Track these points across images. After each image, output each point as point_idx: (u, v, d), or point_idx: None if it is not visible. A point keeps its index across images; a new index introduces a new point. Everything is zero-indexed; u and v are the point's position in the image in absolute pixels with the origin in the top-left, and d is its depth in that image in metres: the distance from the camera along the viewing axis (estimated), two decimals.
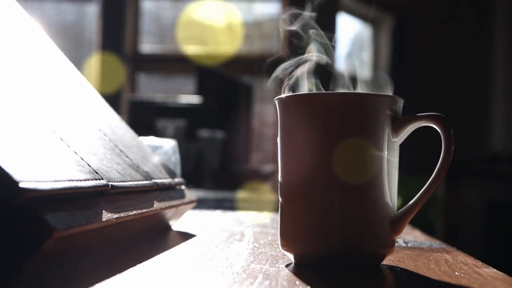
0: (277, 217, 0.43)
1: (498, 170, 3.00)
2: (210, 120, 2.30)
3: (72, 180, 0.36)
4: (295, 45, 0.45)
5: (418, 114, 0.41)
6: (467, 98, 3.35)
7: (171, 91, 3.37)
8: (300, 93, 0.44)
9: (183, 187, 0.65)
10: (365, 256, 0.40)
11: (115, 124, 0.60)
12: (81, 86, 0.60)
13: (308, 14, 0.45)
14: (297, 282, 0.35)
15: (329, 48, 0.45)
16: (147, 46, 3.44)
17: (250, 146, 2.85)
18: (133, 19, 3.39)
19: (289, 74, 0.45)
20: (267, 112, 3.33)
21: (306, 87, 0.45)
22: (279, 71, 0.45)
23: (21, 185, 0.30)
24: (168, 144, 0.71)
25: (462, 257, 0.46)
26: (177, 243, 0.50)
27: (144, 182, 0.51)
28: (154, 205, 0.50)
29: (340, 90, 0.45)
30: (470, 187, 2.97)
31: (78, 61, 3.24)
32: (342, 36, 3.26)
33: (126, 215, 0.42)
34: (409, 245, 0.53)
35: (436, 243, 0.55)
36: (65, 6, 3.47)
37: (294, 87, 0.45)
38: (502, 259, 2.68)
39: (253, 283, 0.34)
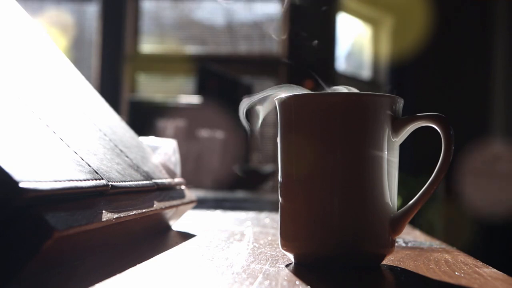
0: (277, 217, 0.43)
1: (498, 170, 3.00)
2: (210, 120, 2.30)
3: (72, 180, 0.36)
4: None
5: (418, 114, 0.41)
6: (467, 98, 3.34)
7: (171, 91, 3.37)
8: (300, 93, 0.44)
9: (183, 187, 0.65)
10: (365, 256, 0.40)
11: (115, 124, 0.60)
12: (81, 86, 0.60)
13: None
14: (297, 282, 0.35)
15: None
16: (147, 46, 3.44)
17: (250, 146, 2.84)
18: (133, 19, 3.39)
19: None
20: (267, 112, 3.33)
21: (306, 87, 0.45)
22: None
23: (21, 185, 0.30)
24: (168, 144, 0.71)
25: (462, 257, 0.46)
26: (177, 243, 0.50)
27: (144, 182, 0.51)
28: (154, 205, 0.50)
29: (340, 90, 0.45)
30: (470, 187, 2.97)
31: (78, 61, 3.24)
32: (342, 36, 3.26)
33: (126, 215, 0.42)
34: (409, 245, 0.53)
35: (436, 243, 0.55)
36: (65, 6, 3.46)
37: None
38: (502, 259, 2.68)
39: (253, 283, 0.34)
